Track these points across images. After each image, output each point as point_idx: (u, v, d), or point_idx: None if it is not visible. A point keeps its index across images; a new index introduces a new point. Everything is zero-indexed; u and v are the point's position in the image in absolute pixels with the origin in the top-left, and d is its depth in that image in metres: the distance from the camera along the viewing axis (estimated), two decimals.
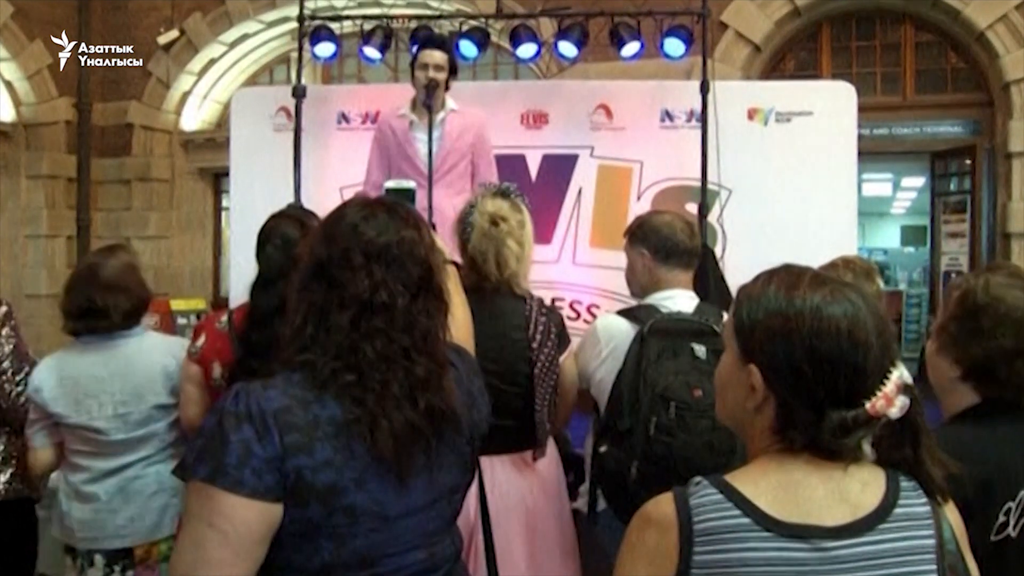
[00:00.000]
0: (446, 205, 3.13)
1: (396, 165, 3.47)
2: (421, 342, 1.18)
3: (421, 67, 3.36)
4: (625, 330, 2.13)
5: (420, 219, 1.26)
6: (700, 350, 2.01)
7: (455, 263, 1.70)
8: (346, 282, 1.17)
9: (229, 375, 1.95)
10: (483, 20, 4.55)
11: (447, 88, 3.44)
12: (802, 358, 0.95)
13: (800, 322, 0.96)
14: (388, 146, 3.51)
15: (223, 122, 8.40)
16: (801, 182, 4.17)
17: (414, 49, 4.31)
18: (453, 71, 3.43)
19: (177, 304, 5.68)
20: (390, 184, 1.67)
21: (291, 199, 4.09)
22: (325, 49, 4.38)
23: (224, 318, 2.10)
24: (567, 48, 4.37)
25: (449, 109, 3.39)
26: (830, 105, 4.20)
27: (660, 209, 2.48)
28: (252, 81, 8.52)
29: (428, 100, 3.15)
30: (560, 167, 4.35)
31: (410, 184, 1.67)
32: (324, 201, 4.27)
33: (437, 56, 3.36)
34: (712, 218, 4.12)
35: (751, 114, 4.26)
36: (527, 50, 4.44)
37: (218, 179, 8.45)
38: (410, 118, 3.44)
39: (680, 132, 4.31)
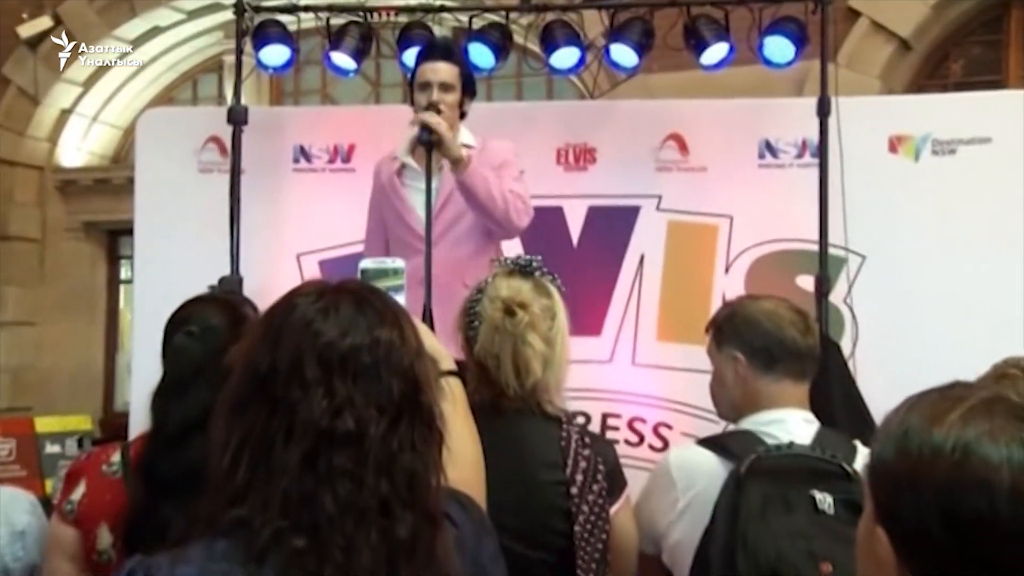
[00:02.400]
0: (455, 287, 3.12)
1: (392, 232, 3.57)
2: (404, 488, 1.19)
3: (421, 87, 3.47)
4: (712, 469, 2.12)
5: (402, 313, 1.30)
6: (825, 500, 1.97)
7: (458, 373, 1.73)
8: (296, 403, 1.19)
9: (123, 540, 1.91)
10: (502, 13, 4.72)
11: (462, 116, 3.54)
12: (934, 519, 0.95)
13: (934, 467, 0.96)
14: (382, 205, 3.62)
15: (123, 156, 8.63)
16: (972, 243, 4.18)
17: (404, 56, 4.51)
18: (469, 90, 3.54)
19: (47, 424, 5.51)
20: (367, 264, 1.72)
21: (224, 271, 4.19)
22: (275, 54, 4.55)
23: (116, 457, 2.07)
24: (623, 54, 4.51)
25: (462, 145, 3.44)
26: (1019, 128, 4.24)
27: (758, 294, 2.51)
28: (167, 98, 8.69)
29: (425, 135, 3.21)
30: (613, 225, 4.44)
31: (395, 264, 1.71)
32: (274, 276, 4.40)
33: (443, 70, 3.46)
34: (836, 298, 4.16)
35: (895, 144, 4.34)
36: (566, 57, 4.59)
37: (114, 239, 8.54)
38: (404, 160, 3.53)
39: (788, 173, 4.40)
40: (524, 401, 2.15)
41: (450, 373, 1.66)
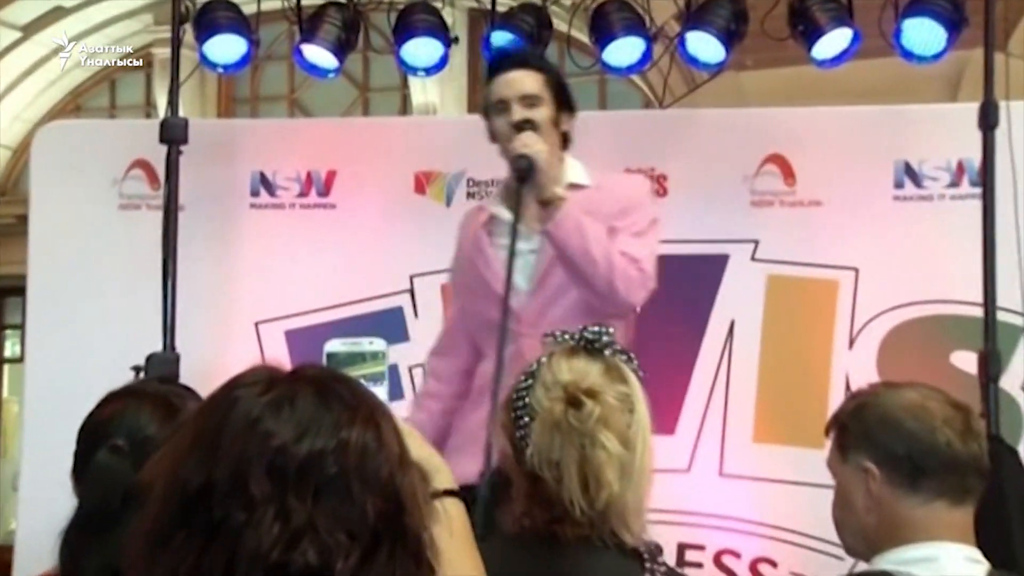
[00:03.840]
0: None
1: (472, 309, 3.59)
2: None
3: (497, 108, 3.43)
4: None
5: (379, 409, 1.32)
6: None
7: (462, 494, 1.74)
8: (239, 529, 1.21)
9: None
10: None
11: (565, 145, 3.54)
12: None
13: None
14: (463, 267, 3.62)
15: (11, 187, 8.81)
16: None
17: (403, 50, 4.58)
18: (566, 103, 3.49)
19: None
20: (335, 346, 1.74)
21: (155, 345, 4.19)
22: (226, 48, 4.64)
23: None
24: (704, 45, 4.58)
25: (568, 184, 3.47)
26: None
27: (897, 380, 2.51)
28: (73, 106, 8.95)
29: (522, 163, 3.20)
30: (692, 281, 4.46)
31: (374, 346, 1.74)
32: (224, 353, 4.42)
33: (522, 80, 3.34)
34: (1010, 383, 4.14)
35: None
36: (626, 50, 4.67)
37: None
38: (491, 211, 3.52)
39: (938, 208, 4.42)
40: (593, 527, 2.13)
41: (449, 493, 1.67)
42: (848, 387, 4.16)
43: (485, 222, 3.55)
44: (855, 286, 4.40)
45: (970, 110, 4.18)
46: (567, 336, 2.28)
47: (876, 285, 4.40)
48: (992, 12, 4.17)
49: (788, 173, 4.53)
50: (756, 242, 4.49)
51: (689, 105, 5.62)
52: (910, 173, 4.46)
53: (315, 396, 1.27)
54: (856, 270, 4.41)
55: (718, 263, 4.49)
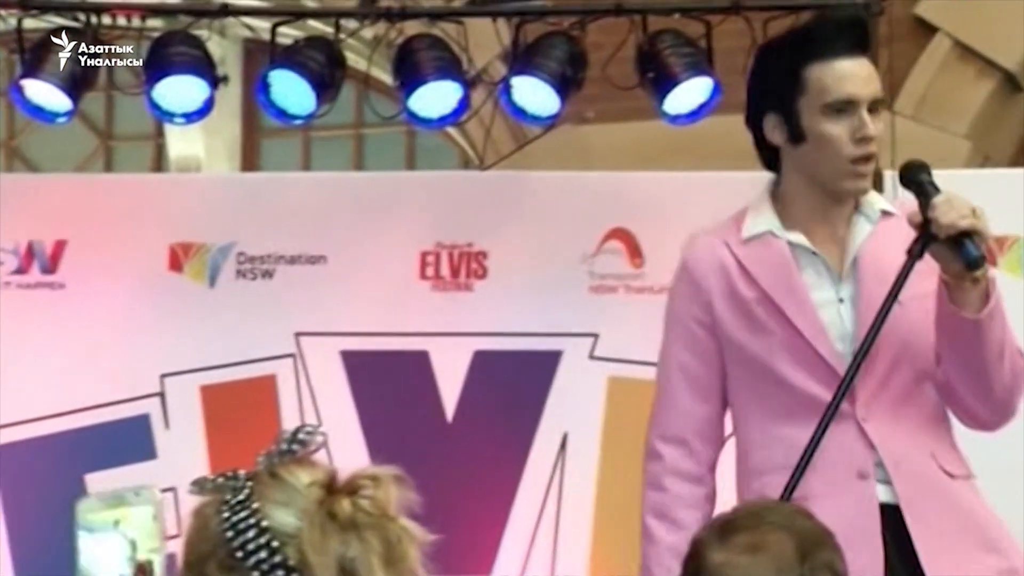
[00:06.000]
0: (930, 471, 3.16)
1: (767, 379, 3.30)
2: None
3: (837, 109, 3.24)
4: None
5: None
6: None
7: None
8: None
9: None
10: (330, 20, 4.92)
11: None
12: None
13: None
14: (725, 325, 3.34)
15: None
16: None
17: (156, 90, 4.56)
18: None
19: None
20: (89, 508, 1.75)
21: None
22: None
23: None
24: (534, 92, 4.66)
25: (880, 211, 3.37)
26: None
27: (759, 503, 2.58)
28: None
29: (974, 253, 3.00)
30: (516, 384, 4.54)
31: (141, 499, 1.75)
32: None
33: (874, 79, 3.27)
34: None
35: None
36: (439, 96, 4.72)
37: None
38: (787, 238, 3.32)
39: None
40: None
41: None
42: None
43: (786, 252, 3.32)
44: None
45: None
46: (273, 448, 2.30)
47: None
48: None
49: (635, 252, 4.61)
50: (595, 336, 4.56)
51: (518, 166, 5.66)
52: None
53: None
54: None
55: (548, 361, 4.54)
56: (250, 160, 8.19)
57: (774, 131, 3.29)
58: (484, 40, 5.08)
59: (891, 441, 3.12)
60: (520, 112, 4.75)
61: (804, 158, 3.24)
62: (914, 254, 3.01)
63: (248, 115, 8.20)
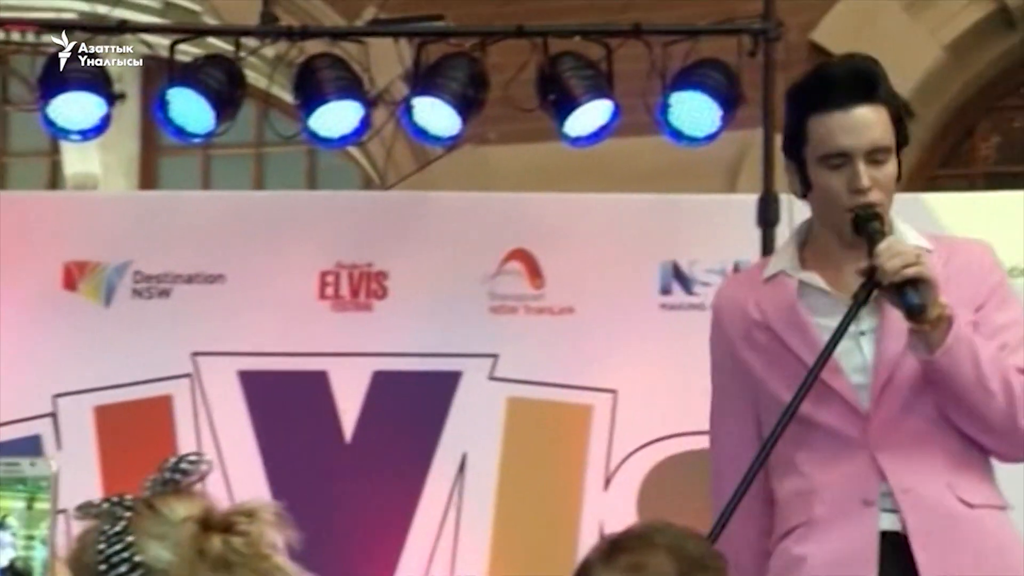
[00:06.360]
0: (948, 501, 3.14)
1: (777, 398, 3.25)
2: None
3: (832, 161, 3.19)
4: None
5: None
6: None
7: None
8: None
9: None
10: (230, 39, 4.94)
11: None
12: None
13: None
14: (749, 366, 3.26)
15: None
16: None
17: (50, 108, 4.50)
18: (903, 143, 3.32)
19: None
20: None
21: None
22: None
23: None
24: (435, 114, 4.68)
25: (912, 246, 3.21)
26: None
27: (653, 525, 2.58)
28: None
29: (914, 299, 2.97)
30: (417, 402, 4.52)
31: (36, 469, 1.73)
32: None
33: (871, 123, 3.17)
34: None
35: None
36: (340, 116, 4.73)
37: None
38: (800, 276, 3.25)
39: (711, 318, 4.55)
40: None
41: None
42: (601, 536, 4.16)
43: (792, 294, 3.31)
44: (612, 412, 4.49)
45: (748, 203, 4.37)
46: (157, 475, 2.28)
47: (638, 411, 4.48)
48: (771, 89, 4.36)
49: (535, 273, 4.61)
50: (495, 357, 4.54)
51: (419, 187, 5.62)
52: (679, 276, 4.58)
53: None
54: (614, 392, 4.50)
55: (448, 382, 4.53)
56: (148, 178, 8.11)
57: (792, 176, 3.31)
58: (386, 60, 5.07)
59: (904, 471, 3.11)
60: (421, 132, 4.75)
61: (813, 205, 3.26)
62: (859, 299, 3.03)
63: (146, 133, 8.14)
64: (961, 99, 7.34)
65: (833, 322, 3.13)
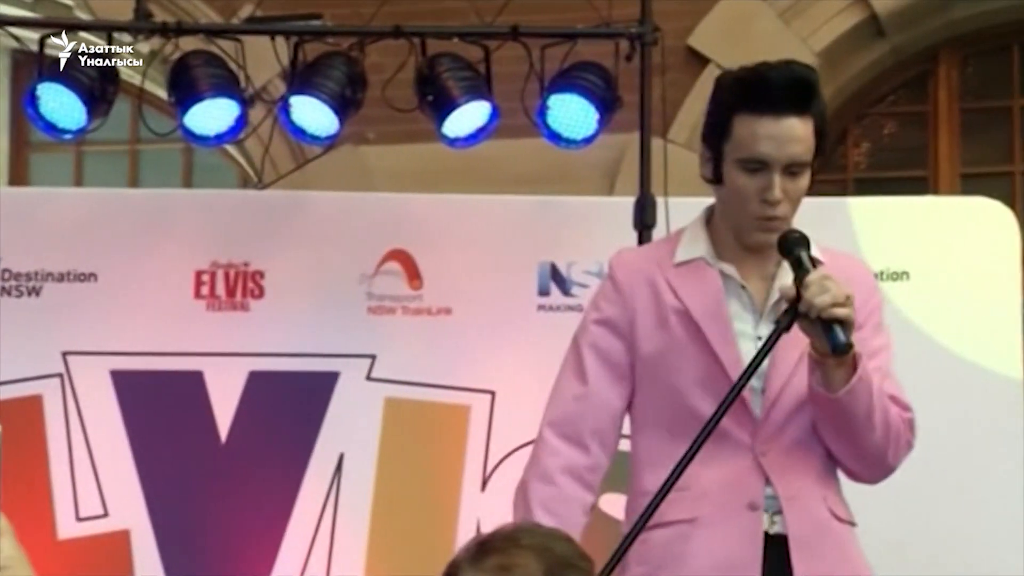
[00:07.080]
0: (818, 510, 3.20)
1: (670, 400, 3.15)
2: None
3: (751, 166, 3.11)
4: None
5: None
6: None
7: None
8: None
9: None
10: (102, 34, 4.84)
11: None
12: None
13: None
14: (644, 341, 3.17)
15: None
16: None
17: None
18: (821, 153, 3.23)
19: None
20: None
21: None
22: None
23: None
24: (312, 113, 4.67)
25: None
26: (967, 249, 4.62)
27: (527, 522, 2.57)
28: None
29: (840, 339, 2.90)
30: (291, 405, 4.51)
31: None
32: None
33: (797, 133, 3.11)
34: None
35: None
36: (215, 114, 4.70)
37: None
38: (720, 267, 3.18)
39: None
40: None
41: None
42: (479, 534, 4.16)
43: (716, 282, 3.30)
44: (490, 413, 4.51)
45: (625, 205, 4.39)
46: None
47: (515, 412, 4.45)
48: (648, 92, 4.39)
49: (413, 274, 4.61)
50: (373, 357, 4.54)
51: (297, 186, 5.60)
52: (556, 278, 4.60)
53: None
54: (492, 393, 4.52)
55: (325, 382, 4.52)
56: (19, 175, 7.96)
57: (704, 163, 3.26)
58: (262, 58, 5.05)
59: (787, 477, 3.15)
60: (299, 131, 4.74)
61: (721, 198, 3.24)
62: (782, 325, 3.00)
63: (16, 128, 8.01)
64: (833, 106, 7.41)
65: (741, 324, 3.18)
